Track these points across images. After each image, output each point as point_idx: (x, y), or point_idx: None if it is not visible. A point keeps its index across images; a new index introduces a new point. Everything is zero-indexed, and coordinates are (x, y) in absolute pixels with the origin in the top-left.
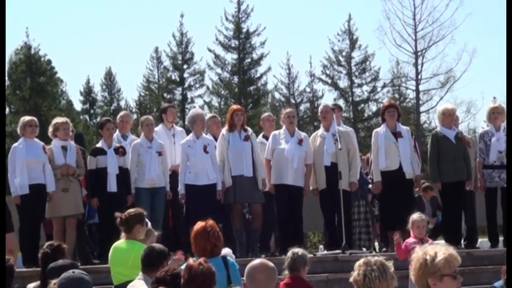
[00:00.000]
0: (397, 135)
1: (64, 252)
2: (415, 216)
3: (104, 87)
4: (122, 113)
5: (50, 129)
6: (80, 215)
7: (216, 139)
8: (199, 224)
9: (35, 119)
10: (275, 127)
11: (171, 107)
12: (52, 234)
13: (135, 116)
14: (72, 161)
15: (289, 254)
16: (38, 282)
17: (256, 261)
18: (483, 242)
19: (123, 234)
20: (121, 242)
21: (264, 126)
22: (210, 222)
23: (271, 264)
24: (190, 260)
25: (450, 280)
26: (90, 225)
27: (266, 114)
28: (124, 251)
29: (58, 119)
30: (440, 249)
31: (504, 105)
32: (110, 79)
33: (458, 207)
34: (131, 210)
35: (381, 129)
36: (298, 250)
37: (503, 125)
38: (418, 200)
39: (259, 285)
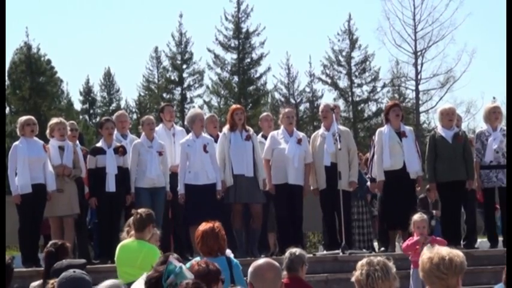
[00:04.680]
0: (401, 134)
1: (68, 251)
2: (416, 216)
3: (103, 87)
4: (117, 113)
5: (47, 130)
6: (76, 215)
7: (213, 138)
8: (207, 225)
9: (32, 117)
10: (274, 127)
11: (168, 106)
12: (47, 234)
13: (134, 116)
14: (69, 162)
15: (287, 254)
16: (41, 281)
17: (261, 260)
18: (482, 242)
19: (129, 234)
20: (130, 241)
21: (263, 126)
22: (217, 223)
23: (276, 263)
24: (194, 262)
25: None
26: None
27: (264, 114)
28: (133, 250)
29: (53, 120)
30: (451, 250)
31: (502, 106)
32: (108, 79)
33: (456, 207)
34: (143, 209)
35: (385, 128)
36: (296, 250)
37: (500, 125)
38: (424, 200)
39: (268, 284)
